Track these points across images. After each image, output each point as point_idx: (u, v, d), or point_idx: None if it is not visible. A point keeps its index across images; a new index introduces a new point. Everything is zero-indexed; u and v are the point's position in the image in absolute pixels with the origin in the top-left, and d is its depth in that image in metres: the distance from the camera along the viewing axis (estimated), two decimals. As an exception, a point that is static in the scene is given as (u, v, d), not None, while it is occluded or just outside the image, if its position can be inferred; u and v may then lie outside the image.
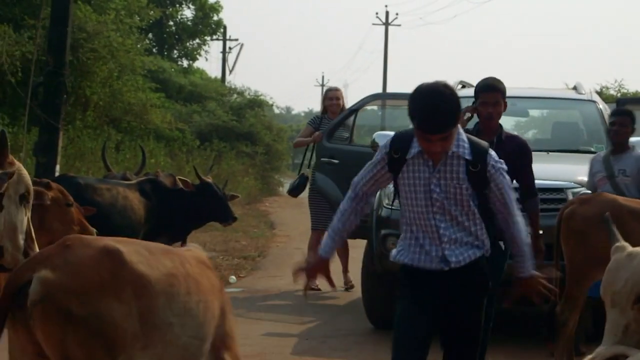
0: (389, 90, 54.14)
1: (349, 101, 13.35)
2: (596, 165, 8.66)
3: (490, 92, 6.93)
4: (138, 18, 26.81)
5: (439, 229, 4.98)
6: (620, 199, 7.95)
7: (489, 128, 6.92)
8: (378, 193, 9.83)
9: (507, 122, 13.28)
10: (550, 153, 10.07)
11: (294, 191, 12.72)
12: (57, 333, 4.27)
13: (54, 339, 4.27)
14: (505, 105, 6.95)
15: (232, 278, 13.39)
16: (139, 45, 25.55)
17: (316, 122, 12.61)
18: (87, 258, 4.40)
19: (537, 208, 7.03)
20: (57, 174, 12.35)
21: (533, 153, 9.88)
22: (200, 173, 11.84)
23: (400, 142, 5.02)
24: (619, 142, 8.62)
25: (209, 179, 11.65)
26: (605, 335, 4.70)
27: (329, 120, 12.44)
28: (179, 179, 11.20)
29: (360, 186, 5.16)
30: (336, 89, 12.94)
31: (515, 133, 7.75)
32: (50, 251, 4.45)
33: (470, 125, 7.46)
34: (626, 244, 4.95)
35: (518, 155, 6.81)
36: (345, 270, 12.43)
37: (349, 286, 12.26)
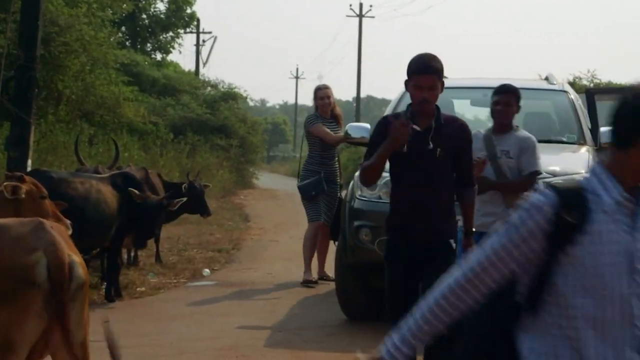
0: (363, 82, 54.29)
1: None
2: (475, 143, 7.87)
3: (425, 74, 6.03)
4: (110, 11, 26.67)
5: (633, 318, 3.05)
6: None
7: (424, 112, 6.13)
8: (351, 183, 9.86)
9: (481, 113, 13.27)
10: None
11: (311, 194, 12.10)
12: (84, 305, 4.82)
13: (83, 312, 4.79)
14: (443, 86, 6.12)
15: (206, 271, 13.37)
16: (111, 39, 25.46)
17: (316, 119, 12.37)
18: (68, 237, 4.98)
19: (473, 200, 6.37)
20: (29, 168, 12.29)
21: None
22: (173, 168, 11.80)
23: (574, 196, 3.05)
24: (503, 123, 7.93)
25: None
26: None
27: (323, 120, 12.28)
28: (130, 190, 10.90)
29: (487, 281, 3.09)
30: (326, 87, 12.63)
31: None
32: (51, 236, 4.72)
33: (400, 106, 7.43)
34: None
35: (458, 139, 6.20)
36: (321, 266, 12.34)
37: (325, 277, 12.19)
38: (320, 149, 12.22)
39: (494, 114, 7.98)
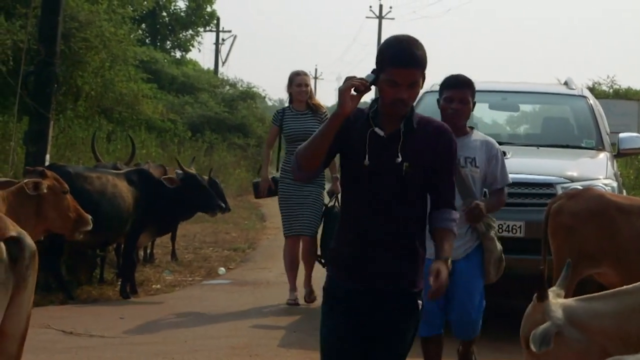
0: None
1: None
2: None
3: (406, 67, 4.32)
4: (131, 8, 26.78)
5: None
6: (608, 194, 7.95)
7: (395, 114, 4.40)
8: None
9: (499, 117, 13.27)
10: (540, 148, 10.12)
11: (257, 194, 11.04)
12: (35, 276, 4.70)
13: (34, 282, 4.70)
14: (424, 80, 4.46)
15: (222, 270, 13.39)
16: (131, 36, 25.52)
17: (278, 117, 10.70)
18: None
19: (452, 226, 4.49)
20: (47, 163, 12.33)
21: (523, 148, 9.95)
22: (185, 165, 11.92)
23: None
24: (458, 124, 6.21)
25: (193, 170, 11.72)
26: None
27: (294, 112, 10.64)
28: (163, 178, 11.14)
29: None
30: (304, 74, 10.80)
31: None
32: None
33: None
34: (556, 290, 5.09)
35: (434, 148, 4.42)
36: (308, 282, 10.76)
37: (310, 300, 10.70)
38: (288, 144, 10.66)
39: (445, 113, 6.29)
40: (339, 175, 9.63)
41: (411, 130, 4.38)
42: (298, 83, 10.56)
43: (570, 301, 4.86)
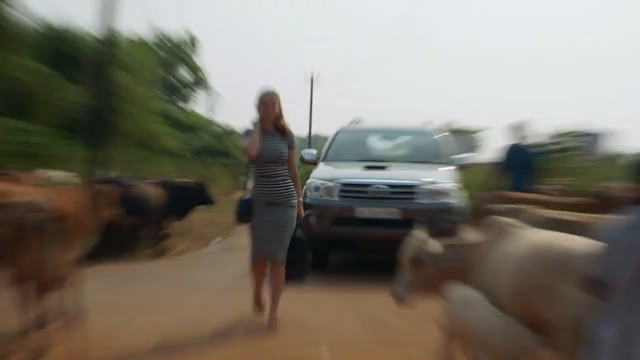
0: (314, 123, 56.09)
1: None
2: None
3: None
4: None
5: None
6: (544, 211, 7.87)
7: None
8: (304, 188, 11.78)
9: (385, 144, 15.24)
10: (410, 163, 12.80)
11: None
12: None
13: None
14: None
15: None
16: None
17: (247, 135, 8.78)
18: None
19: None
20: None
21: (400, 163, 12.55)
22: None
23: None
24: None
25: None
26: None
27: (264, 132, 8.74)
28: None
29: None
30: (273, 93, 8.83)
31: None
32: None
33: None
34: (433, 243, 6.07)
35: None
36: (274, 309, 8.67)
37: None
38: (256, 165, 8.79)
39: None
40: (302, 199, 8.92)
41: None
42: (265, 102, 8.74)
43: (439, 243, 5.96)
